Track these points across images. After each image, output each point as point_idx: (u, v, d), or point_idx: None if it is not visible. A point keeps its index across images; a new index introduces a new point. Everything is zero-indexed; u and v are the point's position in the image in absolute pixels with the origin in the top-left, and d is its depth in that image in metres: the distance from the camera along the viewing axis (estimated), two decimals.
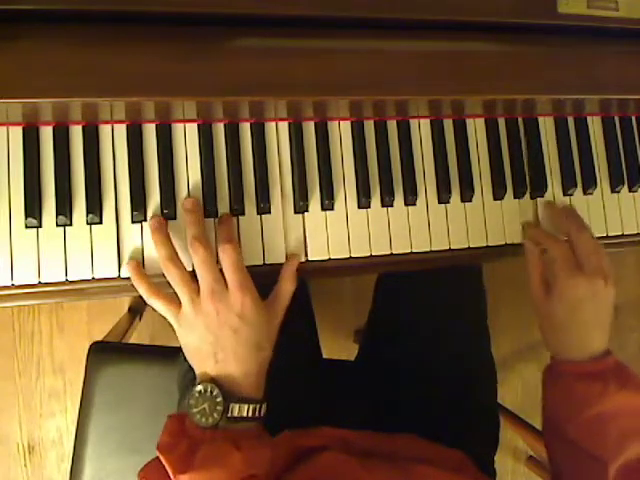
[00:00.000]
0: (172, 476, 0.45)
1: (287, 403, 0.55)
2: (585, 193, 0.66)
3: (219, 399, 0.47)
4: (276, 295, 0.54)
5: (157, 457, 0.46)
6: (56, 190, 0.52)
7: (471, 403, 0.69)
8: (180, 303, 0.50)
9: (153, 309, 0.51)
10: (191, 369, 0.62)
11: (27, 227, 0.51)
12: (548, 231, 0.62)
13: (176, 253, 0.51)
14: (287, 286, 0.54)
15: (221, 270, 0.51)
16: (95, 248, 0.52)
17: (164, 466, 0.45)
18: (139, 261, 0.53)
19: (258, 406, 0.50)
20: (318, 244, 0.57)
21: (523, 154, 0.65)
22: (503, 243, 0.62)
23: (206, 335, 0.49)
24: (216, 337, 0.49)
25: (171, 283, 0.50)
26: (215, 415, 0.47)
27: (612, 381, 0.55)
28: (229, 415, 0.48)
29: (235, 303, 0.50)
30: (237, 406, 0.48)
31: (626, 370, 0.57)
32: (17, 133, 0.52)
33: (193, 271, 0.51)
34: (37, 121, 0.52)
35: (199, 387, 0.48)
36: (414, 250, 0.60)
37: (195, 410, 0.47)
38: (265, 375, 0.52)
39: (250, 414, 0.49)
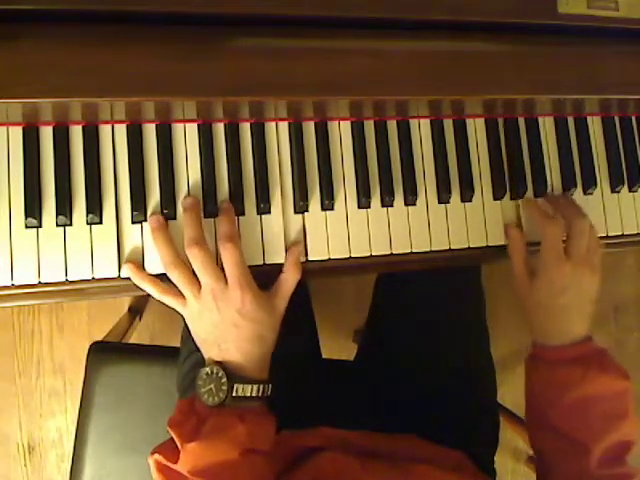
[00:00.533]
0: (180, 447, 0.47)
1: (286, 403, 0.55)
2: (585, 193, 0.66)
3: (224, 380, 0.50)
4: (279, 284, 0.55)
5: (170, 438, 0.49)
6: (56, 190, 0.52)
7: (471, 403, 0.69)
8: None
9: (162, 303, 0.53)
10: (191, 371, 0.62)
11: (27, 227, 0.51)
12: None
13: (177, 253, 0.51)
14: (291, 275, 0.55)
15: (222, 265, 0.51)
16: (95, 248, 0.52)
17: (175, 445, 0.48)
18: (137, 262, 0.53)
19: (262, 386, 0.52)
20: (318, 244, 0.57)
21: (523, 154, 0.65)
22: (503, 243, 0.62)
23: (209, 328, 0.51)
24: (219, 331, 0.51)
25: (174, 282, 0.51)
26: (221, 394, 0.49)
27: (593, 365, 0.55)
28: (234, 394, 0.50)
29: (235, 300, 0.50)
30: (241, 386, 0.50)
31: (607, 356, 0.57)
32: (17, 133, 0.52)
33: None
34: (37, 121, 0.52)
35: (206, 369, 0.50)
36: (414, 250, 0.60)
37: (203, 390, 0.50)
38: (269, 358, 0.54)
39: (254, 394, 0.51)
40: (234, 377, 0.50)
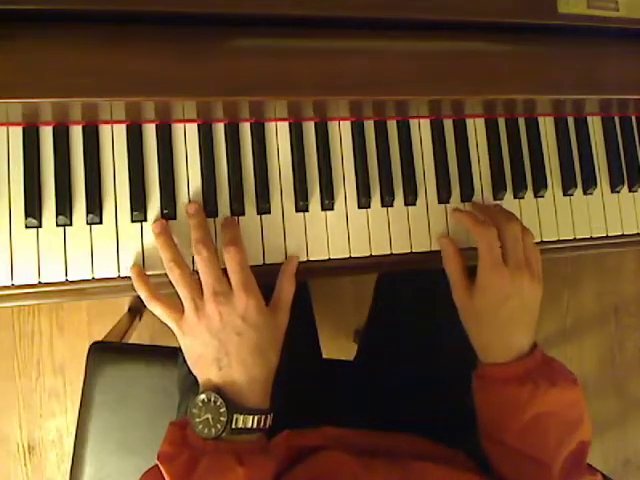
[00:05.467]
0: None
1: (287, 403, 0.55)
2: (585, 193, 0.66)
3: (223, 409, 0.46)
4: (277, 299, 0.54)
5: (157, 464, 0.46)
6: (56, 190, 0.52)
7: (471, 403, 0.69)
8: (182, 309, 0.50)
9: (154, 315, 0.51)
10: (191, 372, 0.61)
11: (27, 227, 0.51)
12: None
13: (180, 255, 0.51)
14: (286, 289, 0.54)
15: (225, 272, 0.51)
16: (95, 248, 0.52)
17: (164, 475, 0.44)
18: (141, 267, 0.52)
19: (263, 417, 0.48)
20: (318, 244, 0.57)
21: (523, 154, 0.65)
22: None
23: (209, 340, 0.48)
24: (220, 341, 0.48)
25: (175, 286, 0.50)
26: (218, 426, 0.46)
27: (542, 381, 0.53)
28: (233, 426, 0.46)
29: (239, 305, 0.49)
30: (241, 417, 0.47)
31: (553, 365, 0.55)
32: (17, 133, 0.52)
33: (197, 272, 0.51)
34: (37, 121, 0.52)
35: (202, 396, 0.47)
36: (414, 250, 0.60)
37: (198, 420, 0.46)
38: (271, 384, 0.51)
39: (255, 425, 0.47)
40: (234, 406, 0.46)
